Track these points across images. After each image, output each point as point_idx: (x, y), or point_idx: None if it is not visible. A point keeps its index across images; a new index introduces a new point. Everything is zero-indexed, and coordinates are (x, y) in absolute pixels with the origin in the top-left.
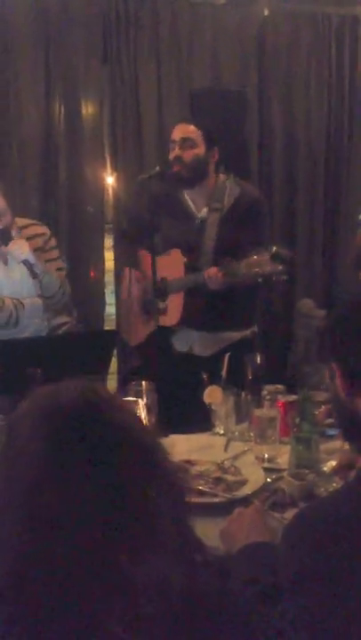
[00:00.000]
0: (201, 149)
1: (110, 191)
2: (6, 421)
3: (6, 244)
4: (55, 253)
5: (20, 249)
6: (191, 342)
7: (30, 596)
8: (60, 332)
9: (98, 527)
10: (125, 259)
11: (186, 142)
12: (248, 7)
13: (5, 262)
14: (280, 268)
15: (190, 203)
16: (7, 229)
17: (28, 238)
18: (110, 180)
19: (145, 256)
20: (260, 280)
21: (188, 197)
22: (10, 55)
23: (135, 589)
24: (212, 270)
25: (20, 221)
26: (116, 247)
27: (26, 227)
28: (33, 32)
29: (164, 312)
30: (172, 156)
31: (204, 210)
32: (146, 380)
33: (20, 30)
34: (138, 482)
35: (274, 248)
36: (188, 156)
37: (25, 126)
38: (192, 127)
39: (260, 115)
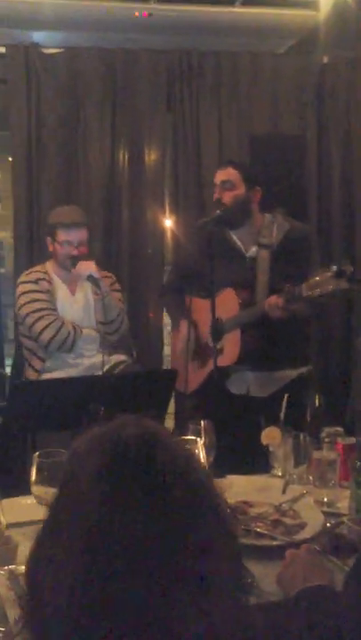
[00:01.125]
0: (240, 190)
1: (170, 234)
2: (66, 459)
3: (75, 266)
4: (118, 295)
5: (86, 266)
6: (247, 384)
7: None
8: (118, 370)
9: (154, 572)
10: (173, 310)
11: (225, 184)
12: (307, 55)
13: (73, 292)
14: (345, 284)
15: (238, 242)
16: (80, 257)
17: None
18: (170, 222)
19: (195, 302)
20: (322, 300)
21: (235, 237)
22: (79, 105)
23: (187, 634)
24: (273, 298)
25: None
26: (161, 301)
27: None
28: (101, 83)
29: (220, 353)
30: (214, 198)
31: (253, 248)
32: (204, 420)
33: (89, 82)
34: (193, 524)
35: (334, 267)
36: (228, 197)
37: (91, 172)
38: (231, 170)
39: (318, 159)
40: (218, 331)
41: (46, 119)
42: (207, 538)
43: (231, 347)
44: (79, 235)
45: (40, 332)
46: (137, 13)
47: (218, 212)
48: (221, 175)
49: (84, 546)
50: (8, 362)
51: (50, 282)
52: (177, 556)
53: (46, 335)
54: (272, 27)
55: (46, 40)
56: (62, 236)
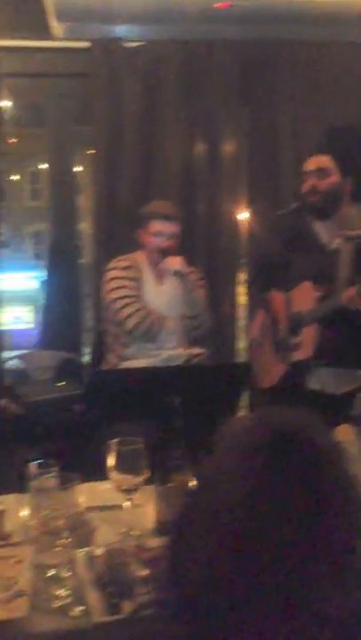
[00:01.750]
0: (336, 178)
1: (246, 227)
2: (220, 442)
3: (162, 260)
4: (203, 292)
5: (174, 261)
6: (322, 380)
7: (220, 621)
8: (193, 362)
9: (298, 549)
10: (257, 303)
11: (321, 172)
12: None
13: (160, 284)
14: None
15: (322, 234)
16: (170, 250)
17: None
18: (246, 215)
19: (275, 296)
20: None
21: (319, 229)
22: (158, 98)
23: (329, 612)
24: (351, 291)
25: None
26: (249, 292)
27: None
28: (180, 76)
29: (297, 348)
30: (307, 187)
31: (337, 241)
32: None
33: (168, 75)
34: (339, 514)
35: None
36: (324, 185)
37: (169, 165)
38: (326, 157)
39: None
40: (296, 325)
41: (127, 112)
42: (352, 518)
43: (308, 340)
44: (171, 227)
45: (125, 319)
46: (218, 5)
47: (310, 199)
48: (316, 162)
49: (233, 521)
50: (87, 351)
51: (138, 270)
52: (322, 536)
53: (131, 322)
54: (354, 16)
55: (128, 34)
56: (155, 227)
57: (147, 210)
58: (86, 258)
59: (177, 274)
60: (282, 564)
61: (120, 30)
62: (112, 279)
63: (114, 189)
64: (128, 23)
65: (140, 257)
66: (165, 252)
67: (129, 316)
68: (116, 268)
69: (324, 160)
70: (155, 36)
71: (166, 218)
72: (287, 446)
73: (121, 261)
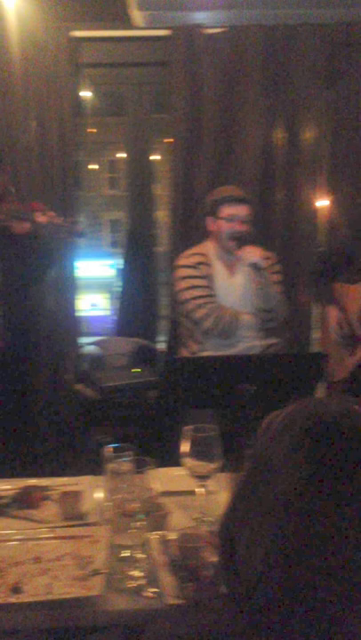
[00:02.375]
0: None
1: (325, 215)
2: (264, 431)
3: (239, 249)
4: (278, 277)
5: (252, 252)
6: None
7: (277, 621)
8: (269, 351)
9: (353, 537)
10: (322, 296)
11: None
12: None
13: (232, 273)
14: None
15: None
16: (243, 236)
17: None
18: (325, 203)
19: (344, 288)
20: None
21: None
22: (238, 84)
23: None
24: None
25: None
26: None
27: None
28: (261, 61)
29: None
30: None
31: None
32: None
33: (249, 60)
34: None
35: None
36: None
37: (247, 152)
38: None
39: None
40: None
41: (206, 100)
42: None
43: None
44: (244, 210)
45: (200, 320)
46: None
47: None
48: None
49: (284, 514)
50: (162, 338)
51: (209, 265)
52: None
53: (207, 324)
54: None
55: (209, 20)
56: (227, 210)
57: (214, 195)
58: (163, 246)
59: (253, 266)
60: (338, 551)
61: (200, 17)
62: (182, 278)
63: (191, 178)
64: (209, 9)
65: (209, 248)
66: (241, 239)
67: (204, 317)
68: (186, 266)
69: None
70: (236, 22)
71: (238, 200)
72: (330, 435)
73: (191, 257)
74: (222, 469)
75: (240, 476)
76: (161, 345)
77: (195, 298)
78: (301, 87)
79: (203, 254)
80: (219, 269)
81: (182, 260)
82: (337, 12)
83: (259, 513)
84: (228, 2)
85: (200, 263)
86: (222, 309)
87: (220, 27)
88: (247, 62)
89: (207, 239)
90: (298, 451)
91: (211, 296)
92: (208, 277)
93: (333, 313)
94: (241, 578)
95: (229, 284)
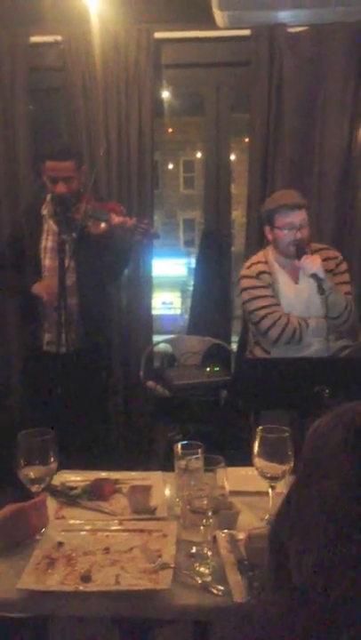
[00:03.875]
0: None
1: None
2: (311, 435)
3: (299, 259)
4: (345, 277)
5: (311, 262)
6: None
7: (331, 608)
8: (342, 354)
9: None
10: None
11: None
12: None
13: (296, 281)
14: None
15: None
16: (302, 244)
17: (323, 260)
18: None
19: None
20: None
21: None
22: (321, 83)
23: None
24: None
25: (313, 245)
26: None
27: (318, 250)
28: (344, 59)
29: None
30: None
31: None
32: None
33: (332, 58)
34: None
35: None
36: None
37: (327, 152)
38: None
39: None
40: None
41: (286, 99)
42: None
43: None
44: (300, 216)
45: (266, 331)
46: None
47: None
48: None
49: (333, 520)
50: (234, 338)
51: (271, 273)
52: None
53: (273, 334)
54: None
55: (292, 19)
56: (283, 219)
57: (268, 204)
58: (237, 246)
59: (314, 277)
60: None
61: (283, 16)
62: (245, 289)
63: (268, 178)
64: (291, 8)
65: (270, 256)
66: (300, 247)
67: (270, 327)
68: (248, 277)
69: None
70: (319, 20)
71: (293, 207)
72: None
73: (252, 266)
74: (294, 472)
75: (292, 480)
76: (233, 345)
77: (258, 309)
78: None
79: (264, 262)
80: (282, 277)
81: (244, 271)
82: None
83: (308, 517)
84: (311, 0)
85: (262, 272)
86: (287, 317)
87: (303, 25)
88: (330, 61)
89: (268, 246)
90: (344, 451)
91: (275, 305)
92: (271, 286)
93: None
94: (292, 584)
95: (294, 291)
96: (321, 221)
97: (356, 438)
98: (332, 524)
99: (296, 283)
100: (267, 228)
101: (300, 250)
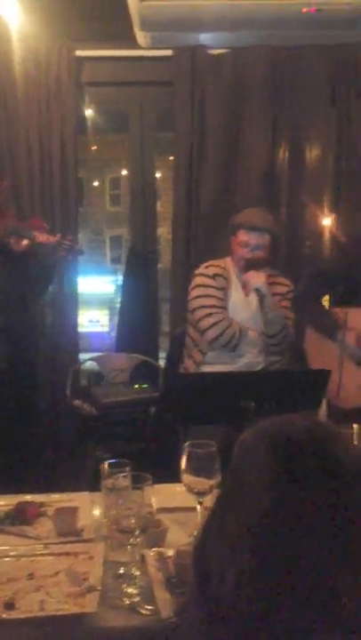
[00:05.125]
0: None
1: (329, 235)
2: (235, 449)
3: (246, 272)
4: (290, 305)
5: (255, 277)
6: None
7: (254, 621)
8: (272, 368)
9: (324, 559)
10: (322, 322)
11: None
12: None
13: (247, 294)
14: None
15: None
16: (253, 263)
17: (275, 284)
18: (329, 221)
19: (352, 312)
20: None
21: None
22: (242, 104)
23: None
24: None
25: (269, 271)
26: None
27: (275, 275)
28: (265, 82)
29: None
30: None
31: None
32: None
33: (253, 81)
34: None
35: None
36: None
37: (251, 170)
38: None
39: None
40: None
41: (209, 119)
42: None
43: None
44: (258, 239)
45: (207, 328)
46: (305, 9)
47: None
48: None
49: (255, 534)
50: (162, 355)
51: (227, 279)
52: (348, 545)
53: (212, 333)
54: None
55: (213, 41)
56: (242, 236)
57: (237, 218)
58: (163, 262)
59: (257, 291)
60: (309, 573)
61: (204, 38)
62: (198, 285)
63: (193, 195)
64: (213, 30)
65: (229, 264)
66: (248, 265)
67: (211, 326)
68: (205, 275)
69: None
70: (240, 43)
71: (253, 229)
72: (296, 452)
73: (210, 267)
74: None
75: (217, 493)
76: (161, 361)
77: (206, 306)
78: (305, 107)
79: (223, 267)
80: (235, 285)
81: (201, 270)
82: (340, 34)
83: (232, 530)
84: (232, 23)
85: (218, 275)
86: (230, 321)
87: (224, 47)
88: (251, 83)
89: (230, 255)
90: (266, 466)
91: (221, 307)
92: (223, 290)
93: (351, 336)
94: (215, 598)
95: (242, 302)
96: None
97: (277, 453)
98: (255, 537)
99: (247, 295)
100: (232, 238)
101: (249, 266)
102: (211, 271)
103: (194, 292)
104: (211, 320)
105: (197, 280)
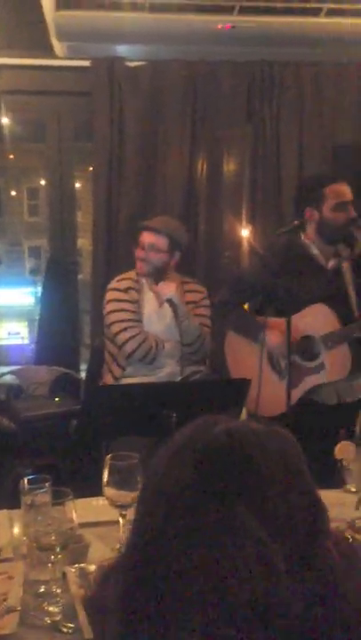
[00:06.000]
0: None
1: (247, 246)
2: (151, 462)
3: (156, 283)
4: (205, 311)
5: (166, 288)
6: (339, 393)
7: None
8: (192, 378)
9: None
10: (246, 329)
11: (351, 203)
12: None
13: (160, 304)
14: None
15: (319, 255)
16: (161, 268)
17: (187, 292)
18: (246, 232)
19: (271, 321)
20: None
21: (316, 250)
22: (160, 117)
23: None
24: None
25: (182, 278)
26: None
27: (187, 282)
28: (182, 95)
29: (321, 369)
30: (352, 215)
31: (333, 260)
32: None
33: (170, 94)
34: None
35: None
36: (353, 214)
37: (169, 182)
38: (347, 186)
39: None
40: (311, 348)
41: (128, 130)
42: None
43: (341, 361)
44: (152, 239)
45: (123, 343)
46: (220, 26)
47: (350, 228)
48: (347, 193)
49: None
50: (83, 367)
51: (139, 291)
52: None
53: (129, 347)
54: (357, 37)
55: (130, 53)
56: (143, 238)
57: (139, 223)
58: (84, 274)
59: (169, 302)
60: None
61: (122, 49)
62: (111, 300)
63: (113, 206)
64: (130, 43)
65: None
66: (158, 277)
67: (127, 340)
68: (117, 289)
69: (348, 190)
70: (159, 56)
71: (148, 228)
72: (213, 459)
73: (122, 281)
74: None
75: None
76: (82, 373)
77: (120, 321)
78: (222, 121)
79: (135, 279)
80: (148, 298)
81: (113, 284)
82: (255, 51)
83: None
84: (148, 36)
85: (130, 288)
86: (145, 335)
87: (142, 60)
88: (169, 96)
89: (129, 267)
90: (182, 465)
91: (136, 321)
92: (137, 303)
93: (273, 334)
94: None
95: (156, 313)
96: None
97: (193, 457)
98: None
99: (160, 306)
100: (135, 248)
101: (157, 275)
102: (123, 285)
103: (108, 307)
104: (126, 335)
105: (110, 295)
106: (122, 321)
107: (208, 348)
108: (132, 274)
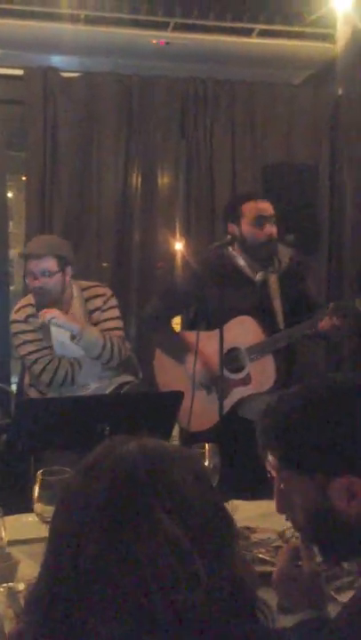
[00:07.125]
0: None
1: (180, 259)
2: (67, 480)
3: (39, 311)
4: (114, 312)
5: (47, 313)
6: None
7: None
8: (124, 390)
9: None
10: (172, 346)
11: (271, 218)
12: (322, 87)
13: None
14: None
15: (247, 268)
16: (60, 291)
17: (88, 299)
18: (179, 245)
19: (202, 334)
20: None
21: (243, 263)
22: (94, 128)
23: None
24: (328, 321)
25: (83, 284)
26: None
27: (86, 288)
28: (117, 108)
29: (247, 382)
30: (269, 231)
31: (260, 273)
32: (209, 443)
33: (105, 106)
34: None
35: None
36: (274, 232)
37: (104, 194)
38: (269, 204)
39: (331, 189)
40: (237, 359)
41: (62, 141)
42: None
43: (265, 373)
44: (40, 265)
45: (39, 375)
46: (154, 41)
47: (269, 245)
48: (267, 209)
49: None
50: (14, 379)
51: (38, 317)
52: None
53: (44, 377)
54: (288, 58)
55: (64, 64)
56: (28, 266)
57: (20, 254)
58: (15, 285)
59: (54, 324)
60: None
61: (56, 60)
62: (15, 334)
63: (45, 217)
64: (63, 54)
65: None
66: (39, 306)
67: (40, 372)
68: (17, 321)
69: (269, 206)
70: (93, 68)
71: (32, 256)
72: (125, 478)
73: (21, 310)
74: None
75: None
76: (13, 386)
77: (29, 353)
78: (157, 135)
79: (33, 305)
80: None
81: (13, 315)
82: (189, 67)
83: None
84: (82, 48)
85: (30, 316)
86: (57, 361)
87: (77, 71)
88: (103, 108)
89: None
90: (96, 485)
91: (45, 348)
92: (41, 329)
93: (192, 362)
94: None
95: (64, 335)
96: (101, 259)
97: (107, 476)
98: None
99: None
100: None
101: (40, 301)
102: (21, 315)
103: (14, 341)
104: (39, 366)
105: (13, 327)
106: (29, 353)
107: (126, 351)
108: (29, 298)
